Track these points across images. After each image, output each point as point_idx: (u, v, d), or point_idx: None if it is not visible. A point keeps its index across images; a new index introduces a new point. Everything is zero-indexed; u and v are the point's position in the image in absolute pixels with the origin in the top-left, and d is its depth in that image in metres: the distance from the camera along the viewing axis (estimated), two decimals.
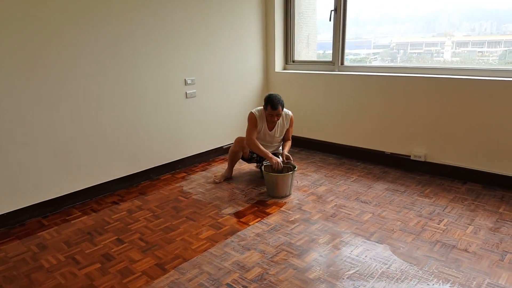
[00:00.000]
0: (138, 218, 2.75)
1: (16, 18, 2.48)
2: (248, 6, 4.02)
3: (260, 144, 3.19)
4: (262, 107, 3.22)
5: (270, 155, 3.09)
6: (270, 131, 3.26)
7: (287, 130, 3.32)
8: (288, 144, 3.30)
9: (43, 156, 2.76)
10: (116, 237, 2.50)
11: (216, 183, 3.37)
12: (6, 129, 2.55)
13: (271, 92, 3.22)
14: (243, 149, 3.32)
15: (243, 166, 3.77)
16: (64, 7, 2.68)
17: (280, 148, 3.44)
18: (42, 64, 2.65)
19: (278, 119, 3.17)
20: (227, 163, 3.49)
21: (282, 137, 3.35)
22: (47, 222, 2.75)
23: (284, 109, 3.26)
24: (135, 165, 3.36)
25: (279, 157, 3.39)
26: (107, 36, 2.95)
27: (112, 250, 2.34)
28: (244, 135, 3.26)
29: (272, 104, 3.06)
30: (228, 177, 3.47)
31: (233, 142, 3.38)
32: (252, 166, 3.68)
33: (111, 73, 3.03)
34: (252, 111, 3.22)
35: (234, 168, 3.54)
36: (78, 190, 3.01)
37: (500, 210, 2.67)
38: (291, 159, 3.12)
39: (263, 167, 3.11)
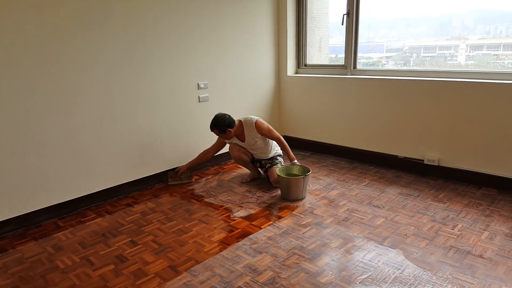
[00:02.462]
0: (151, 220, 2.79)
1: (36, 27, 2.55)
2: (260, 11, 4.05)
3: (249, 151, 3.38)
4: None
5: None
6: (243, 142, 3.32)
7: (266, 135, 3.25)
8: (283, 146, 3.26)
9: (60, 159, 2.82)
10: (130, 239, 2.54)
11: (243, 183, 3.42)
12: (24, 133, 2.62)
13: (218, 113, 3.22)
14: (239, 151, 3.35)
15: None
16: (83, 17, 2.75)
17: (275, 151, 3.41)
18: (61, 71, 2.71)
19: (224, 138, 3.30)
20: (239, 166, 3.51)
21: (259, 142, 3.27)
22: (62, 223, 2.80)
23: (247, 117, 3.27)
24: (149, 168, 3.41)
25: (278, 163, 3.35)
26: (124, 44, 3.01)
27: (126, 252, 2.37)
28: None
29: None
30: (255, 177, 3.50)
31: None
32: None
33: (127, 79, 3.09)
34: None
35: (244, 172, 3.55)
36: (93, 192, 3.07)
37: None
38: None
39: (277, 170, 3.11)
